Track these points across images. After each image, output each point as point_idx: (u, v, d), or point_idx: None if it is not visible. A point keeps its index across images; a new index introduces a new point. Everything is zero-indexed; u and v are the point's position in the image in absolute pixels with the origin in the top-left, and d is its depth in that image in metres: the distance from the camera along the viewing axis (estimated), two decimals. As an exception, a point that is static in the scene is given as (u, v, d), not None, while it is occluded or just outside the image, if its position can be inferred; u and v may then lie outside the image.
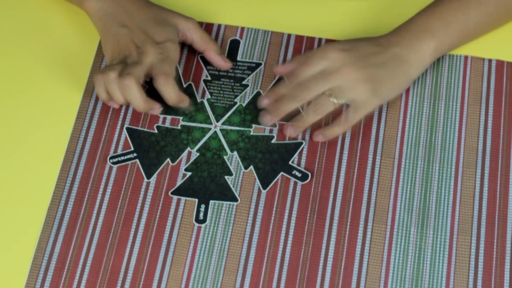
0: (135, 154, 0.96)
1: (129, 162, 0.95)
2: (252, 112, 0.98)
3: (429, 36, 0.95)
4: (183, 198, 0.93)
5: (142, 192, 0.94)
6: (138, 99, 0.93)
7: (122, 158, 0.95)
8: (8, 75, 1.00)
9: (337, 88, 0.92)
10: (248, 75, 1.00)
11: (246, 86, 0.99)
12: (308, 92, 0.92)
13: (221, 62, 0.99)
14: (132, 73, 0.92)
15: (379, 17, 1.03)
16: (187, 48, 1.02)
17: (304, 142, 0.96)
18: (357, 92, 0.92)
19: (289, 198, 0.93)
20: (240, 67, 1.00)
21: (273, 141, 0.96)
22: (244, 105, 0.98)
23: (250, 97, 0.99)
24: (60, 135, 0.96)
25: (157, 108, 0.97)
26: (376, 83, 0.92)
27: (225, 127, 0.97)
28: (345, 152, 0.95)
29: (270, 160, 0.95)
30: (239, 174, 0.94)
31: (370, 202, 0.92)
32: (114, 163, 0.95)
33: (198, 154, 0.96)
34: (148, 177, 0.94)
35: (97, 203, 0.93)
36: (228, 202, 0.93)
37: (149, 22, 0.97)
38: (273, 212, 0.92)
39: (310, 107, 0.93)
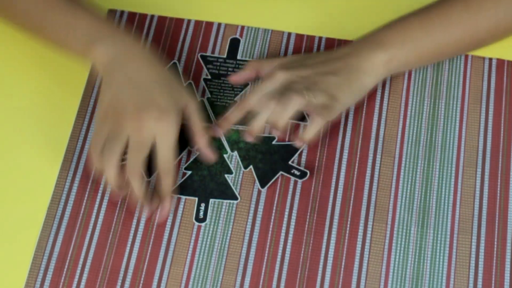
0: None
1: (129, 161, 0.95)
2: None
3: (382, 48, 0.93)
4: (183, 198, 0.93)
5: (142, 191, 0.93)
6: (140, 192, 0.90)
7: (122, 157, 0.95)
8: (9, 75, 1.00)
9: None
10: (248, 74, 1.00)
11: (246, 85, 0.99)
12: (253, 97, 0.93)
13: (208, 155, 0.94)
14: (136, 163, 0.88)
15: (379, 16, 1.03)
16: (187, 46, 1.02)
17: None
18: (317, 96, 0.91)
19: (289, 197, 0.93)
20: (240, 66, 1.00)
21: (274, 142, 0.96)
22: (244, 104, 0.98)
23: (250, 96, 0.99)
24: (60, 134, 0.96)
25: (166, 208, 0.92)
26: (333, 89, 0.92)
27: (225, 126, 0.97)
28: (345, 151, 0.95)
29: (270, 160, 0.94)
30: (239, 173, 0.94)
31: (370, 201, 0.92)
32: (114, 162, 0.95)
33: (198, 153, 0.95)
34: (148, 176, 0.94)
35: (97, 203, 0.93)
36: (228, 201, 0.93)
37: (157, 83, 0.89)
38: (273, 211, 0.92)
39: (278, 107, 0.91)
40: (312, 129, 0.93)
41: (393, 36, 0.94)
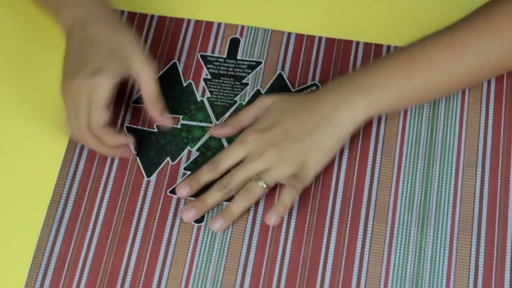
0: (135, 153, 0.95)
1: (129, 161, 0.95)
2: (252, 110, 0.98)
3: (364, 92, 0.91)
4: (182, 198, 0.93)
5: (142, 191, 0.93)
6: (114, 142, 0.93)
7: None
8: (9, 74, 1.00)
9: (263, 171, 0.90)
10: (248, 73, 1.00)
11: (246, 84, 0.99)
12: (234, 182, 0.90)
13: (164, 122, 0.94)
14: (92, 122, 0.90)
15: (379, 16, 1.03)
16: (187, 46, 1.02)
17: None
18: (283, 172, 0.90)
19: (289, 197, 0.93)
20: (240, 66, 1.00)
21: None
22: (244, 104, 0.98)
23: (250, 95, 0.99)
24: (60, 134, 0.96)
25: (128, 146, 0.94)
26: (303, 157, 0.90)
27: (225, 126, 0.97)
28: (345, 151, 0.95)
29: None
30: (239, 173, 0.94)
31: (370, 201, 0.92)
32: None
33: (198, 153, 0.95)
34: (148, 175, 0.94)
35: (97, 203, 0.93)
36: (227, 202, 0.93)
37: (102, 46, 0.91)
38: (273, 211, 0.92)
39: (240, 193, 0.90)
40: (285, 200, 0.89)
41: (376, 81, 0.91)
